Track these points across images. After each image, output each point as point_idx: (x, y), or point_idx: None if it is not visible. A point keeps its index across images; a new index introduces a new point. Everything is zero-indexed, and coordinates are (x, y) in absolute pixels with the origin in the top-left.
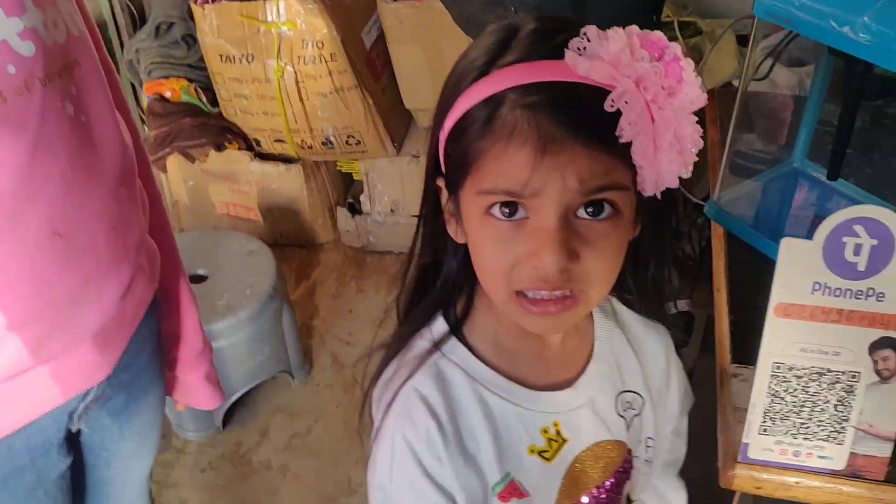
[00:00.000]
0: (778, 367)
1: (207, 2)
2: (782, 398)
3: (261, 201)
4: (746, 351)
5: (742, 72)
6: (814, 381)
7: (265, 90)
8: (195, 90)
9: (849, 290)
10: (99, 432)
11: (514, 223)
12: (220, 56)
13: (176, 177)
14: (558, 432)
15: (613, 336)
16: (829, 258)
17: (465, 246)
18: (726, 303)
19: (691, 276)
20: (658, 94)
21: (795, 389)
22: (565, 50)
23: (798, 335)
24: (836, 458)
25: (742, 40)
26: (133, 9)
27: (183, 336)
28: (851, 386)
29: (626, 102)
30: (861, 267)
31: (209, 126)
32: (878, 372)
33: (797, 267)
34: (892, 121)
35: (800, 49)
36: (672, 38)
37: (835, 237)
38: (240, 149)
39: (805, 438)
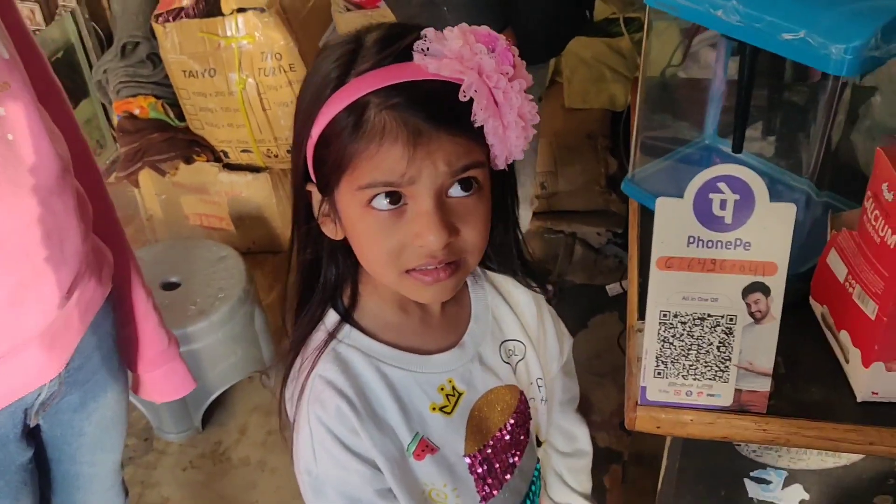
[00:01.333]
0: (664, 315)
1: (168, 20)
2: (671, 343)
3: (231, 210)
4: None
5: (643, 67)
6: (697, 325)
7: (229, 103)
8: (162, 106)
9: (719, 241)
10: (59, 427)
11: (395, 211)
12: (184, 72)
13: (149, 191)
14: (453, 387)
15: (487, 295)
16: (700, 213)
17: (343, 241)
18: (636, 268)
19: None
20: (499, 80)
21: (682, 335)
22: (413, 52)
23: (679, 285)
24: (724, 395)
25: (684, 33)
26: (99, 31)
27: (142, 338)
28: (730, 328)
29: (476, 91)
30: (728, 220)
31: (177, 140)
32: (751, 314)
33: (673, 223)
34: (798, 98)
35: None
36: (618, 34)
37: (702, 194)
38: (208, 161)
39: (695, 379)
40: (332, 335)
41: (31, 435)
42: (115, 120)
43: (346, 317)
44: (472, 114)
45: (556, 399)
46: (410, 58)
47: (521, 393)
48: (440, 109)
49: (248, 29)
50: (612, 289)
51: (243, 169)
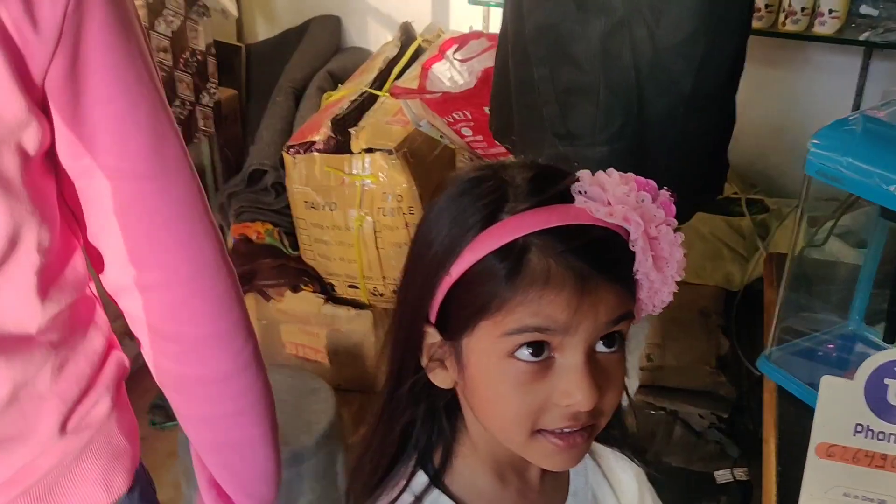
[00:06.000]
0: None
1: (299, 152)
2: None
3: (329, 344)
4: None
5: (795, 241)
6: None
7: (344, 237)
8: (278, 234)
9: (892, 434)
10: None
11: (539, 364)
12: (306, 202)
13: (251, 315)
14: None
15: (588, 469)
16: (872, 400)
17: (445, 398)
18: (774, 454)
19: (750, 449)
20: (667, 232)
21: None
22: (576, 195)
23: (841, 478)
24: None
25: (810, 221)
26: (230, 156)
27: None
28: None
29: (641, 242)
30: None
31: (288, 268)
32: None
33: (838, 407)
34: None
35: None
36: (739, 214)
37: (876, 378)
38: (314, 292)
39: None
40: (418, 500)
41: None
42: (231, 242)
43: (437, 481)
44: (633, 263)
45: None
46: (566, 199)
47: None
48: (606, 257)
49: (373, 169)
50: (722, 475)
51: (347, 304)
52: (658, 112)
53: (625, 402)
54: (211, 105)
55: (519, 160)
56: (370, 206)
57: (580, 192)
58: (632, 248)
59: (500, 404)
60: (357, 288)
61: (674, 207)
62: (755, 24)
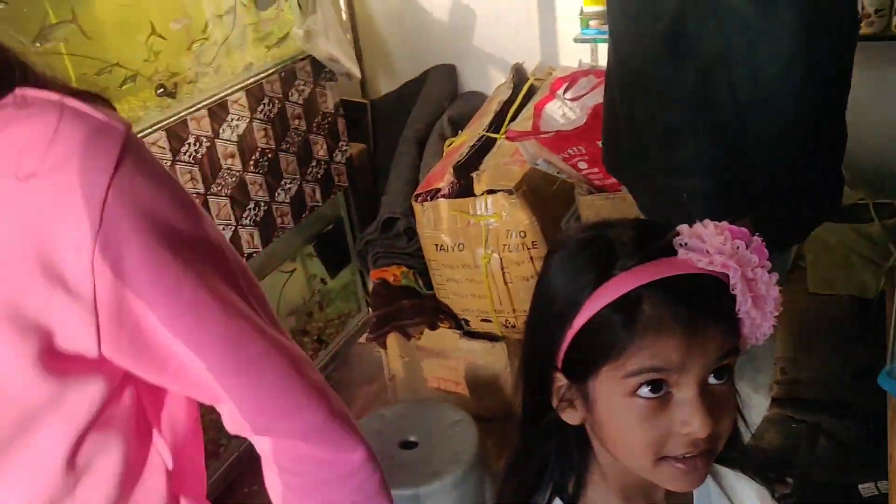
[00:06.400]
0: None
1: (426, 199)
2: None
3: (468, 376)
4: None
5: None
6: None
7: (474, 275)
8: (413, 275)
9: None
10: None
11: (658, 399)
12: (436, 245)
13: (394, 353)
14: None
15: (711, 491)
16: None
17: (576, 434)
18: None
19: None
20: (762, 274)
21: None
22: (674, 247)
23: None
24: None
25: None
26: (365, 207)
27: None
28: None
29: (740, 286)
30: None
31: (424, 307)
32: None
33: None
34: None
35: None
36: (867, 220)
37: None
38: (450, 328)
39: None
40: None
41: None
42: (370, 286)
43: None
44: (735, 305)
45: None
46: (669, 252)
47: None
48: (710, 302)
49: (496, 209)
50: (867, 489)
51: (482, 337)
52: (762, 141)
53: (746, 433)
54: (343, 161)
55: (621, 219)
56: (496, 243)
57: (682, 245)
58: (732, 292)
59: (628, 437)
60: (490, 322)
61: (766, 251)
62: (866, 30)
